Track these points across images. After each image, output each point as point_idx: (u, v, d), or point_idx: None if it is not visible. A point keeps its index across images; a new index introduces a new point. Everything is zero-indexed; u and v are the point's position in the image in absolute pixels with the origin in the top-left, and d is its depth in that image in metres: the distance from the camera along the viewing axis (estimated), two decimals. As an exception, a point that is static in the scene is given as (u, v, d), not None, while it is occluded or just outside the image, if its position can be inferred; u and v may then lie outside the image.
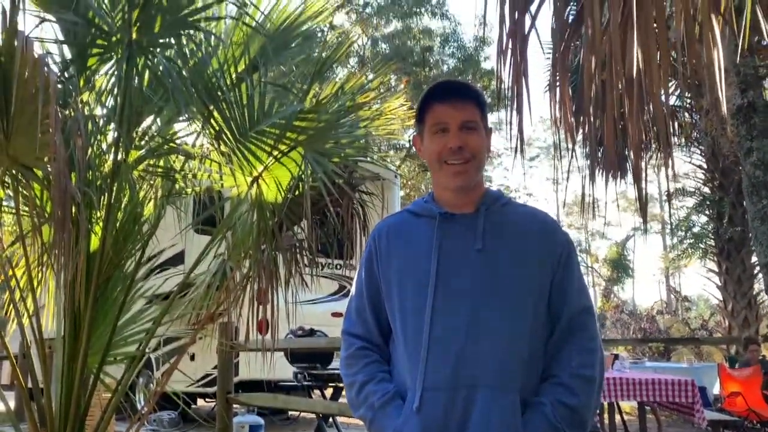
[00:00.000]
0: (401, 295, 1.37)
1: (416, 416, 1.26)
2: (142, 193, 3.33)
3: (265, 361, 6.32)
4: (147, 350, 3.32)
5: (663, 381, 5.71)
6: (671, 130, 9.89)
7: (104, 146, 3.12)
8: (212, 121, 3.01)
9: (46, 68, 2.23)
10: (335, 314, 7.64)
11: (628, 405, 8.62)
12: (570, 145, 2.69)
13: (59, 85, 2.60)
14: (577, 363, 1.33)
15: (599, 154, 8.46)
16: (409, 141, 18.06)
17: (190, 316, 3.76)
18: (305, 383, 6.52)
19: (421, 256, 1.38)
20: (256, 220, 3.35)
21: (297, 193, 3.42)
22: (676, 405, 6.07)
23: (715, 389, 8.42)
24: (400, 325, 1.36)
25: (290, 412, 8.97)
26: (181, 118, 3.27)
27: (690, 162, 11.68)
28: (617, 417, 7.42)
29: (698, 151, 11.30)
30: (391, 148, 19.32)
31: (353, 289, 1.51)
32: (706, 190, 11.22)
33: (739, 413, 6.95)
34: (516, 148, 2.06)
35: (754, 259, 9.55)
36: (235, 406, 6.59)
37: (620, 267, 24.31)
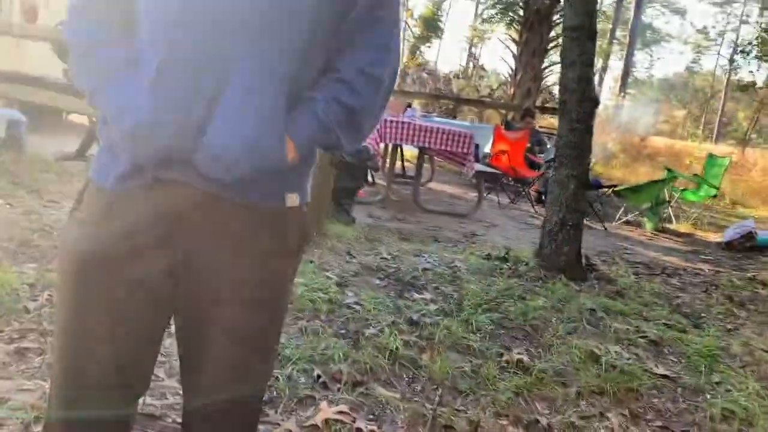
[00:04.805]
0: None
1: (149, 91, 0.97)
2: None
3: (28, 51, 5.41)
4: None
5: (445, 131, 6.04)
6: None
7: None
8: None
9: None
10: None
11: (410, 153, 9.22)
12: None
13: None
14: (367, 60, 1.10)
15: None
16: None
17: None
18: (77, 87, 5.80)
19: None
20: None
21: None
22: (451, 154, 6.55)
23: (487, 149, 9.27)
24: None
25: (64, 115, 8.20)
26: None
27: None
28: (398, 163, 7.93)
29: None
30: None
31: None
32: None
33: (501, 169, 7.78)
34: None
35: (552, 33, 10.08)
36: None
37: (432, 26, 24.59)
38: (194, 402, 1.16)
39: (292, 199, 1.10)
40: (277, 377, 2.18)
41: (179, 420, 1.74)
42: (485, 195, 7.15)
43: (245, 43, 0.98)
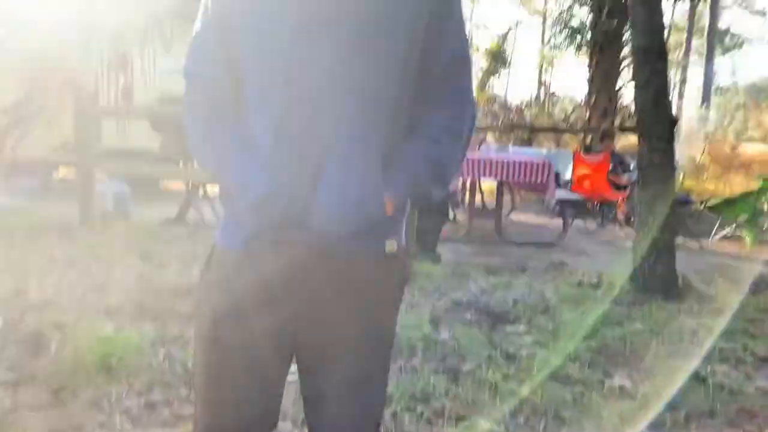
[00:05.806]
0: (253, 25, 1.15)
1: (265, 167, 1.13)
2: None
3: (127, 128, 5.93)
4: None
5: (522, 161, 6.06)
6: None
7: None
8: None
9: None
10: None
11: (488, 186, 9.24)
12: None
13: None
14: (449, 116, 1.23)
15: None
16: None
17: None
18: (173, 156, 6.26)
19: None
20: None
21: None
22: (531, 184, 6.54)
23: (567, 175, 9.16)
24: (251, 62, 1.16)
25: (162, 183, 8.79)
26: None
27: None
28: (477, 196, 7.97)
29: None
30: None
31: (198, 22, 1.23)
32: (592, -18, 11.19)
33: (585, 194, 7.67)
34: None
35: (622, 54, 9.95)
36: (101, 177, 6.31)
37: (499, 59, 24.69)
38: None
39: (392, 245, 1.23)
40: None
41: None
42: (571, 222, 7.05)
43: (343, 116, 1.13)
